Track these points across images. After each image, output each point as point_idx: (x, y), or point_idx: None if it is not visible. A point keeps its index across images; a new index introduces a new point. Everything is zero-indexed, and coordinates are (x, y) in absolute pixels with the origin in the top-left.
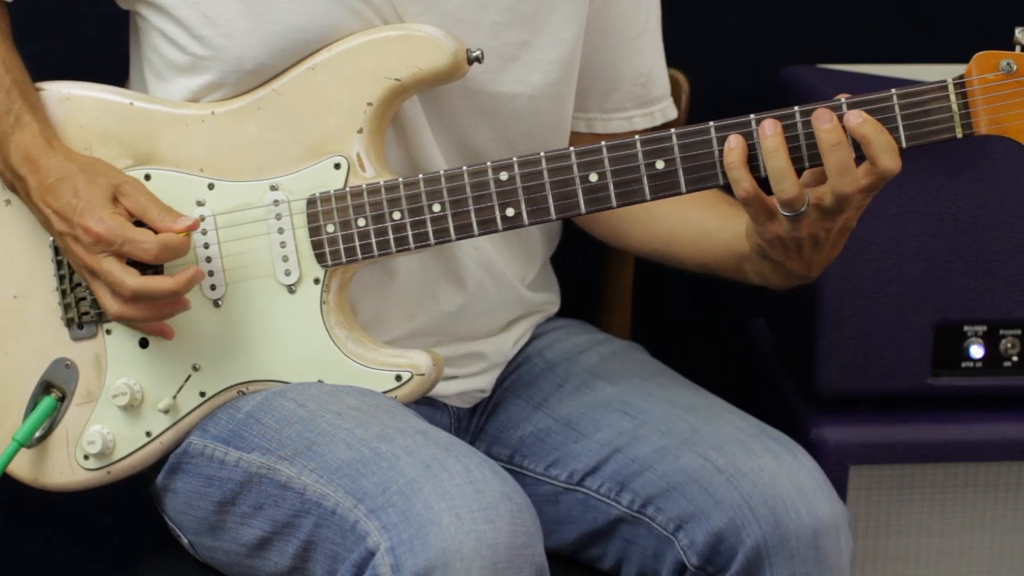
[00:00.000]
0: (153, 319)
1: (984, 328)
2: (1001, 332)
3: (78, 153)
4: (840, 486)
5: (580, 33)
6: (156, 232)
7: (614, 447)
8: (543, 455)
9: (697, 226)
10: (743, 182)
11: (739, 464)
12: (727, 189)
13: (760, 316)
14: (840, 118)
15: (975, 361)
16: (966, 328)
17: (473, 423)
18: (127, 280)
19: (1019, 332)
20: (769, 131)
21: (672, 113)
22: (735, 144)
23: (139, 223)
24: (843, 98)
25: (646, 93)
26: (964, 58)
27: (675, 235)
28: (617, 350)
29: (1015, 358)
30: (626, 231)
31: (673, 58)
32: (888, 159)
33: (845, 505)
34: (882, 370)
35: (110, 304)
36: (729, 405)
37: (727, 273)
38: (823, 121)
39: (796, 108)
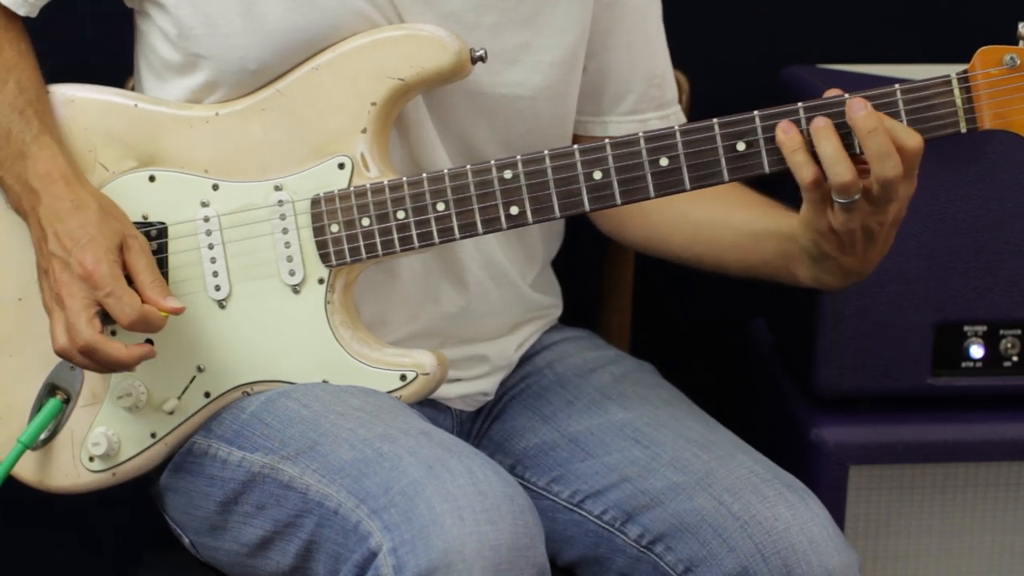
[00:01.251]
0: (90, 369)
1: (984, 328)
2: (1001, 332)
3: (99, 191)
4: (840, 486)
5: (583, 35)
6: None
7: (623, 475)
8: (546, 469)
9: (739, 228)
10: (806, 166)
11: (753, 511)
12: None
13: (760, 316)
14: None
15: (975, 361)
16: (966, 328)
17: (476, 427)
18: (84, 331)
19: (1019, 332)
20: (820, 123)
21: (682, 117)
22: (791, 131)
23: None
24: (846, 95)
25: (661, 95)
26: (964, 58)
27: (717, 239)
28: (629, 370)
29: (1015, 358)
30: (666, 237)
31: (673, 58)
32: (908, 138)
33: (856, 554)
34: (882, 370)
35: (60, 338)
36: (742, 443)
37: (774, 274)
38: (858, 109)
39: (800, 104)
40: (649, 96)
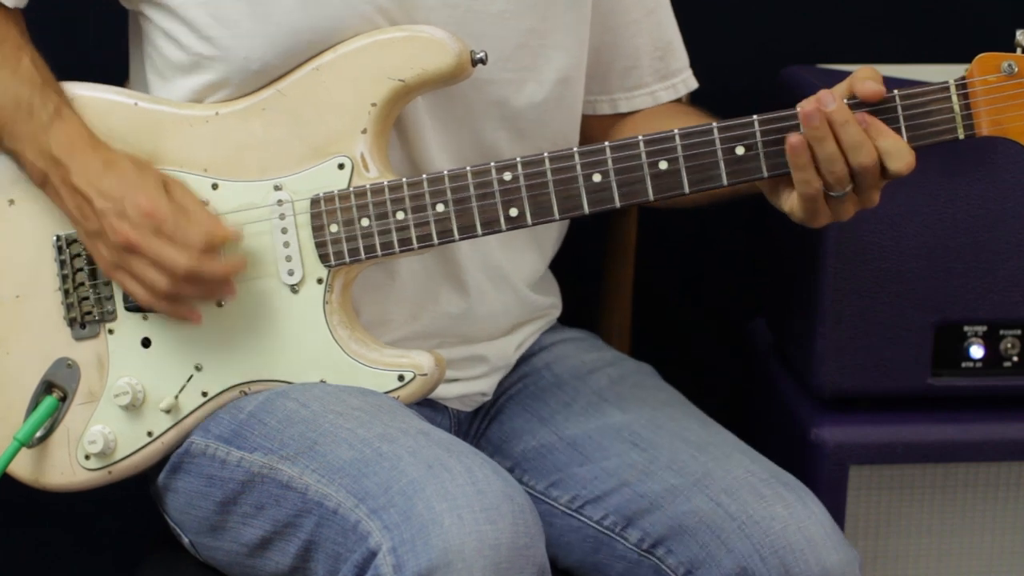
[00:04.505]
0: (199, 299)
1: (984, 328)
2: (1001, 332)
3: (127, 152)
4: (840, 486)
5: (587, 15)
6: None
7: (622, 479)
8: (545, 473)
9: None
10: (814, 182)
11: (751, 511)
12: (732, 190)
13: (760, 316)
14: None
15: (975, 361)
16: (966, 328)
17: (474, 427)
18: (180, 258)
19: (1019, 332)
20: (816, 120)
21: (693, 83)
22: (801, 147)
23: None
24: (846, 101)
25: (665, 66)
26: (964, 58)
27: None
28: (627, 373)
29: (1015, 358)
30: None
31: None
32: (895, 163)
33: (855, 551)
34: (882, 370)
35: (158, 281)
36: (740, 443)
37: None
38: (828, 103)
39: (799, 108)
40: (653, 68)
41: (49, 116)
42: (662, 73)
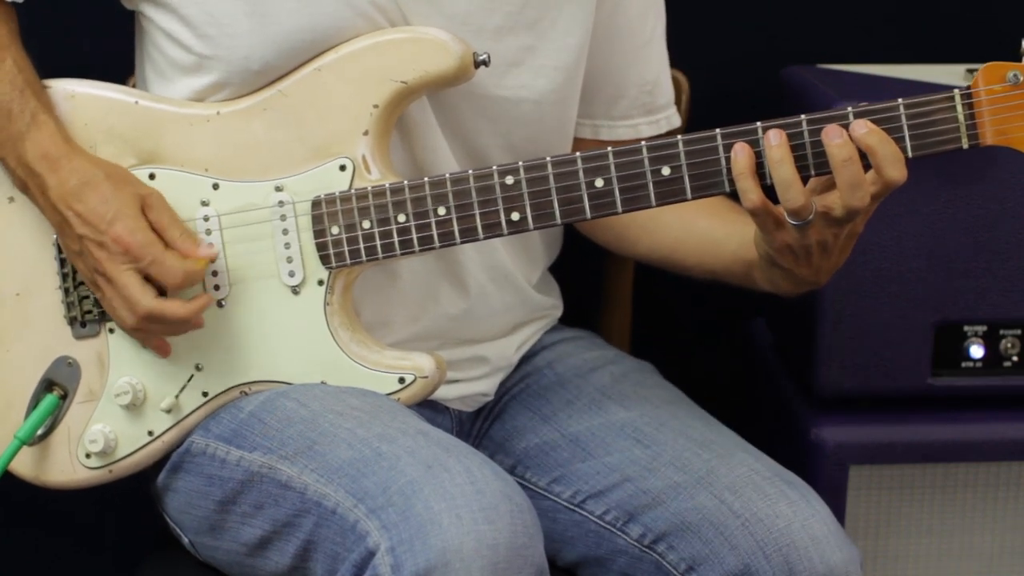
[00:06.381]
0: (166, 335)
1: (984, 328)
2: (1001, 332)
3: (99, 157)
4: (840, 486)
5: (585, 39)
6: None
7: (625, 475)
8: (547, 469)
9: (703, 234)
10: (750, 192)
11: (755, 509)
12: (734, 196)
13: (760, 316)
14: (847, 128)
15: (975, 361)
16: (966, 328)
17: (476, 427)
18: (142, 300)
19: (1019, 332)
20: (775, 141)
21: (676, 121)
22: (741, 153)
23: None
24: (850, 108)
25: (652, 101)
26: (964, 58)
27: (681, 243)
28: (629, 370)
29: (1015, 358)
30: (632, 239)
31: (673, 58)
32: (893, 170)
33: (857, 549)
34: (882, 370)
35: (125, 317)
36: (742, 441)
37: (735, 280)
38: (834, 137)
39: (803, 116)
40: (640, 102)
41: (26, 124)
42: (648, 108)
